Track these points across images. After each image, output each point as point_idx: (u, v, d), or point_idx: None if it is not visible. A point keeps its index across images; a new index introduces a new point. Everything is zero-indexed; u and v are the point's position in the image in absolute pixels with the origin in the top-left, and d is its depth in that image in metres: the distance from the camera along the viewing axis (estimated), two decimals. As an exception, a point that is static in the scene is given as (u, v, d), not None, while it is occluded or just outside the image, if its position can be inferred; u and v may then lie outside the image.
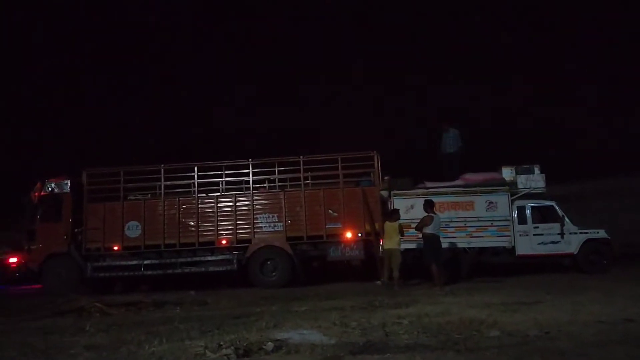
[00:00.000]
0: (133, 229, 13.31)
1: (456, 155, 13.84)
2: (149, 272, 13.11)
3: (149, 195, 13.87)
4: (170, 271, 13.10)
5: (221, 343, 5.62)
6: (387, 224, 11.56)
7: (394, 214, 11.78)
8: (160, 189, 13.61)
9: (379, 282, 11.67)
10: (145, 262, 13.13)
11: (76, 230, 13.54)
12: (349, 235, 12.96)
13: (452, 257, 12.36)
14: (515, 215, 12.65)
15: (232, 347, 5.31)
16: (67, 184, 13.68)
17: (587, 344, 5.22)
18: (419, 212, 11.74)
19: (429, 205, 11.48)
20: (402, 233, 11.40)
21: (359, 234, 12.92)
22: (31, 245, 13.46)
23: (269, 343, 5.51)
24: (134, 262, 13.17)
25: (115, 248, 13.34)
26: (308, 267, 13.64)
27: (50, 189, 13.69)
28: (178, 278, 13.27)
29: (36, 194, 13.68)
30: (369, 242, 12.72)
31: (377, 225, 12.56)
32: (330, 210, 13.10)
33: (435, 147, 14.29)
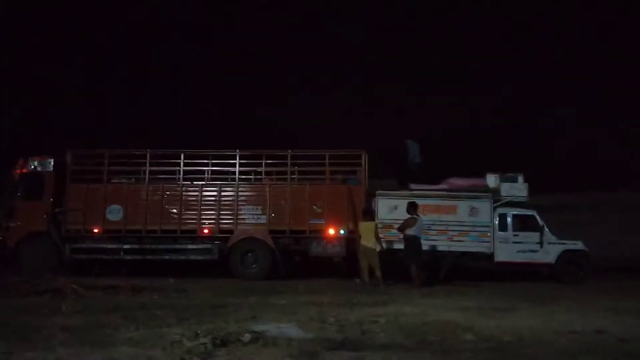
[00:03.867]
0: (115, 213, 13.18)
1: (420, 166, 14.09)
2: (129, 257, 13.00)
3: (133, 179, 13.74)
4: (150, 257, 13.00)
5: (198, 332, 5.63)
6: (362, 224, 11.62)
7: (367, 214, 11.86)
8: (144, 174, 13.49)
9: (358, 280, 11.73)
10: (125, 246, 13.02)
11: (57, 210, 13.36)
12: (331, 231, 13.00)
13: (432, 259, 12.47)
14: (497, 222, 12.80)
15: (210, 337, 5.33)
16: (50, 162, 13.48)
17: (559, 353, 5.34)
18: (403, 214, 11.83)
19: (412, 208, 11.58)
20: (375, 234, 11.40)
21: (342, 231, 12.96)
22: (10, 223, 13.25)
23: (247, 334, 5.53)
24: (114, 246, 13.05)
25: (96, 230, 13.20)
26: (289, 261, 13.65)
27: (33, 166, 13.49)
28: (158, 265, 13.18)
29: (18, 170, 13.47)
30: (352, 239, 12.77)
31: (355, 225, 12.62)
32: (314, 206, 13.12)
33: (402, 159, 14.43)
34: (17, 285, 10.20)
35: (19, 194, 13.35)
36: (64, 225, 13.17)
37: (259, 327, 6.03)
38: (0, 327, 6.04)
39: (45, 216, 13.20)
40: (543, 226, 12.76)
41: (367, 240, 11.39)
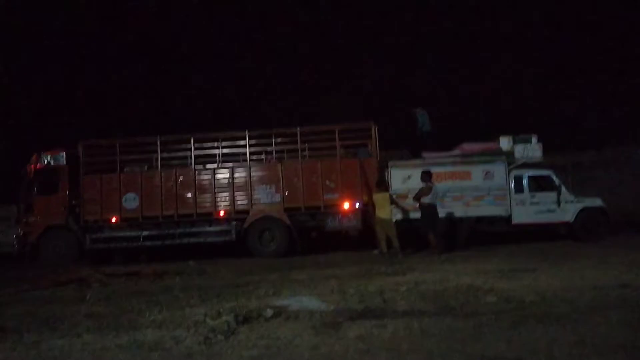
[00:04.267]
0: (130, 201, 13.30)
1: (432, 134, 13.96)
2: (148, 243, 13.16)
3: (146, 167, 13.82)
4: (168, 242, 13.15)
5: (220, 310, 5.69)
6: (376, 195, 11.61)
7: (381, 185, 11.84)
8: (157, 160, 13.56)
9: (376, 251, 11.77)
10: (144, 233, 13.17)
11: (73, 202, 13.52)
12: (346, 205, 13.00)
13: (449, 226, 12.43)
14: (512, 185, 12.68)
15: (232, 314, 5.38)
16: (62, 156, 13.59)
17: (583, 309, 5.30)
18: (416, 183, 11.78)
19: (426, 176, 11.51)
20: (394, 203, 11.48)
21: (357, 205, 12.95)
22: (29, 218, 13.46)
23: (268, 310, 5.57)
24: (133, 233, 13.21)
25: (113, 220, 13.35)
26: (306, 238, 13.72)
27: (46, 161, 13.61)
28: (177, 249, 13.33)
29: (32, 166, 13.61)
30: (367, 212, 12.77)
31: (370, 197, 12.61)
32: (327, 181, 13.11)
33: (412, 128, 14.26)
34: (42, 277, 10.40)
35: (35, 189, 13.52)
36: (82, 216, 13.33)
37: (280, 302, 6.08)
38: (28, 318, 6.16)
39: (63, 209, 13.37)
40: (560, 185, 12.62)
41: (383, 211, 11.40)
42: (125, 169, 13.62)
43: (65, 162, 13.56)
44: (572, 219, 12.53)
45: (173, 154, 13.91)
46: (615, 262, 8.36)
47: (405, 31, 28.89)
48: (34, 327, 5.65)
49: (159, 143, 13.46)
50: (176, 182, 13.35)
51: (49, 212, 13.33)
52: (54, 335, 5.18)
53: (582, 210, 12.53)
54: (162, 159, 13.53)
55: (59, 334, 5.26)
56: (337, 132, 13.14)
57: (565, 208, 12.54)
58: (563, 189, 12.62)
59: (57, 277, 10.00)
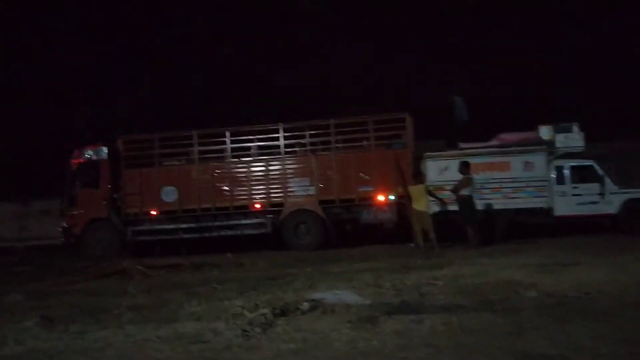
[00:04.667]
0: (169, 194, 13.59)
1: (467, 123, 13.62)
2: (187, 236, 13.43)
3: (184, 160, 14.07)
4: (207, 234, 13.39)
5: (258, 303, 5.73)
6: (412, 187, 11.48)
7: (416, 177, 11.71)
8: (194, 154, 13.78)
9: (412, 244, 11.66)
10: (183, 225, 13.45)
11: (115, 195, 13.90)
12: (381, 198, 12.92)
13: (487, 218, 12.19)
14: (554, 175, 12.33)
15: (269, 307, 5.41)
16: (104, 150, 13.99)
17: (629, 305, 5.11)
18: (453, 174, 11.59)
19: (465, 167, 11.31)
20: (432, 195, 11.33)
21: (391, 197, 12.85)
22: (72, 211, 13.91)
23: (305, 303, 5.58)
24: (172, 226, 13.52)
25: (153, 212, 13.68)
26: (341, 231, 13.71)
27: (88, 156, 14.03)
28: (215, 241, 13.55)
29: (74, 161, 14.05)
30: (402, 204, 12.65)
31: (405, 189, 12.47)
32: (361, 174, 13.04)
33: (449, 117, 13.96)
34: (85, 269, 10.76)
35: (78, 183, 13.95)
36: (123, 210, 13.70)
37: (316, 296, 6.08)
38: (72, 309, 6.38)
39: (104, 202, 13.76)
40: (603, 176, 12.19)
41: (419, 204, 11.26)
42: (163, 163, 13.91)
43: (106, 157, 13.94)
44: (617, 211, 12.10)
45: (209, 148, 14.10)
46: (663, 256, 8.03)
47: (436, 18, 28.30)
48: (79, 317, 5.83)
49: (195, 137, 13.68)
50: (212, 175, 13.56)
51: (91, 205, 13.75)
52: (98, 326, 5.34)
53: (627, 202, 12.07)
54: (199, 152, 13.74)
55: (103, 324, 5.42)
56: (371, 123, 13.05)
57: (609, 199, 12.12)
58: (607, 179, 12.18)
59: (100, 269, 10.33)
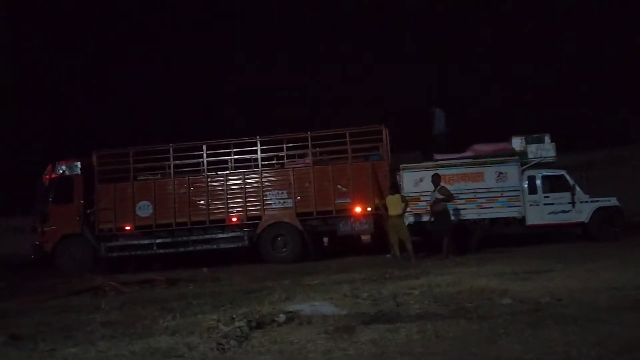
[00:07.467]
0: (144, 209, 13.40)
1: (445, 135, 13.84)
2: (162, 251, 13.24)
3: (159, 174, 13.92)
4: (182, 249, 13.22)
5: (234, 316, 5.68)
6: (389, 198, 11.58)
7: (392, 188, 11.83)
8: (169, 168, 13.65)
9: (389, 255, 11.71)
10: (158, 240, 13.26)
11: (88, 211, 13.65)
12: (358, 209, 12.95)
13: (462, 228, 12.33)
14: (526, 185, 12.56)
15: (245, 320, 5.37)
16: (77, 165, 13.75)
17: (600, 310, 5.21)
18: (428, 186, 11.73)
19: (437, 179, 11.48)
20: (406, 205, 11.42)
21: (369, 208, 12.91)
22: (44, 227, 13.60)
23: (281, 315, 5.56)
24: (147, 241, 13.30)
25: (127, 228, 13.45)
26: (319, 243, 13.69)
27: (61, 171, 13.78)
28: (190, 256, 13.39)
29: (47, 176, 13.77)
30: (379, 216, 12.71)
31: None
32: (339, 186, 13.08)
33: (427, 128, 14.15)
34: (57, 286, 10.51)
35: (50, 198, 13.67)
36: (97, 225, 13.45)
37: (293, 307, 6.06)
38: (43, 327, 6.22)
39: (78, 218, 13.50)
40: (574, 185, 12.46)
41: (394, 210, 11.31)
42: (138, 177, 13.74)
43: (79, 172, 13.71)
44: (587, 219, 12.36)
45: (185, 161, 13.98)
46: (632, 263, 8.22)
47: (417, 32, 28.84)
48: (49, 335, 5.69)
49: (171, 151, 13.57)
50: (189, 189, 13.43)
51: (64, 221, 13.47)
52: (68, 344, 5.21)
53: (597, 210, 12.34)
54: (174, 166, 13.62)
55: (74, 342, 5.29)
56: (347, 135, 13.14)
57: (580, 208, 12.38)
58: (577, 188, 12.45)
59: (72, 285, 10.11)
